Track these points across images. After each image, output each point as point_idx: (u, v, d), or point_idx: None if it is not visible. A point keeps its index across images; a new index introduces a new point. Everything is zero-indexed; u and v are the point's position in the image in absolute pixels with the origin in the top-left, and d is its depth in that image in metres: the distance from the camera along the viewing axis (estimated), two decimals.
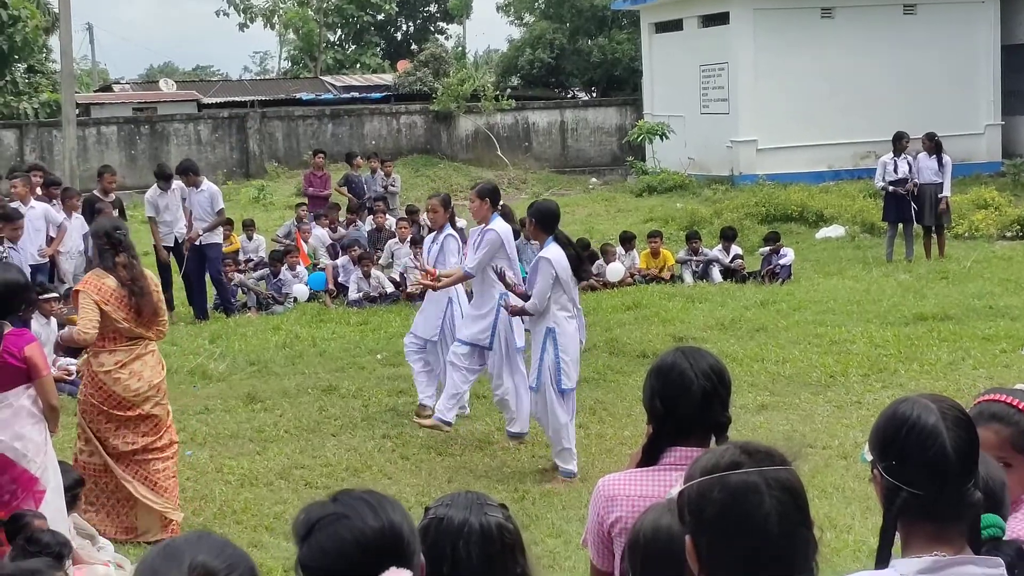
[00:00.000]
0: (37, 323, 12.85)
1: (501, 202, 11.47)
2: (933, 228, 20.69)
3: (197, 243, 17.77)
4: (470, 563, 3.22)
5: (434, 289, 11.47)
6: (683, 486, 2.82)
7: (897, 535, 2.98)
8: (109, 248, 8.83)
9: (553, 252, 9.88)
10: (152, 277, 9.10)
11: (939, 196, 20.41)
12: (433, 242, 12.22)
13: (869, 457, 3.06)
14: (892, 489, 2.96)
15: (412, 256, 11.63)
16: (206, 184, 18.21)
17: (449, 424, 11.18)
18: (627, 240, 20.83)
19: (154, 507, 8.94)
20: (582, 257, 10.17)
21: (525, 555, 3.36)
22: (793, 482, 2.74)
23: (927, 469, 2.92)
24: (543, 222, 10.08)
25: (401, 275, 19.33)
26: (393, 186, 25.04)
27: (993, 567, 2.90)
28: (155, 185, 18.17)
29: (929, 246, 20.71)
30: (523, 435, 11.13)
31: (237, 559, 2.52)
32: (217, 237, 18.23)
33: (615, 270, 19.57)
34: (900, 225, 20.70)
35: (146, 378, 8.94)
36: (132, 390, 8.86)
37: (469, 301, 11.80)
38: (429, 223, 12.87)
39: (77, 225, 16.62)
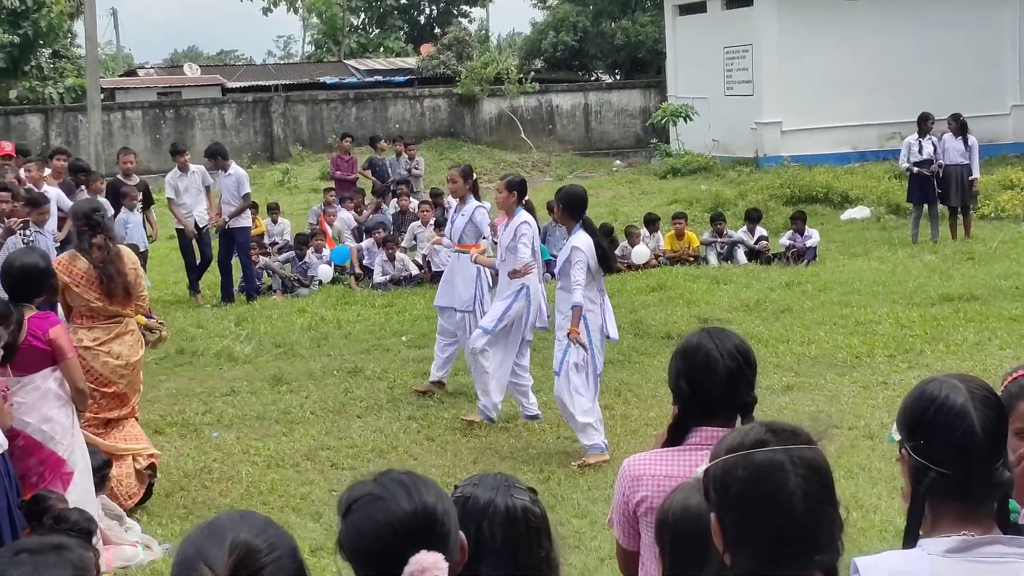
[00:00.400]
0: None
1: (527, 197, 11.49)
2: (959, 209, 20.60)
3: (226, 227, 17.83)
4: (494, 543, 3.22)
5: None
6: (709, 464, 2.82)
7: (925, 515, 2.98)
8: (87, 229, 9.00)
9: (583, 240, 9.92)
10: (130, 257, 9.23)
11: (969, 178, 20.30)
12: (458, 213, 12.21)
13: (897, 437, 3.06)
14: (920, 469, 2.95)
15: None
16: (234, 168, 18.23)
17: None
18: (651, 222, 20.79)
19: (131, 451, 9.06)
20: (606, 248, 10.22)
21: (551, 539, 3.35)
22: (818, 461, 2.74)
23: (955, 449, 2.91)
24: (571, 207, 10.10)
25: (424, 257, 19.36)
26: (417, 169, 25.04)
27: (1021, 547, 2.89)
28: (175, 168, 18.26)
29: (955, 227, 20.61)
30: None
31: (279, 539, 2.54)
32: (246, 221, 18.27)
33: (640, 252, 19.55)
34: (925, 206, 20.61)
35: (124, 356, 9.12)
36: (110, 367, 9.04)
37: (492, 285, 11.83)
38: (450, 194, 12.85)
39: None
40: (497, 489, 3.30)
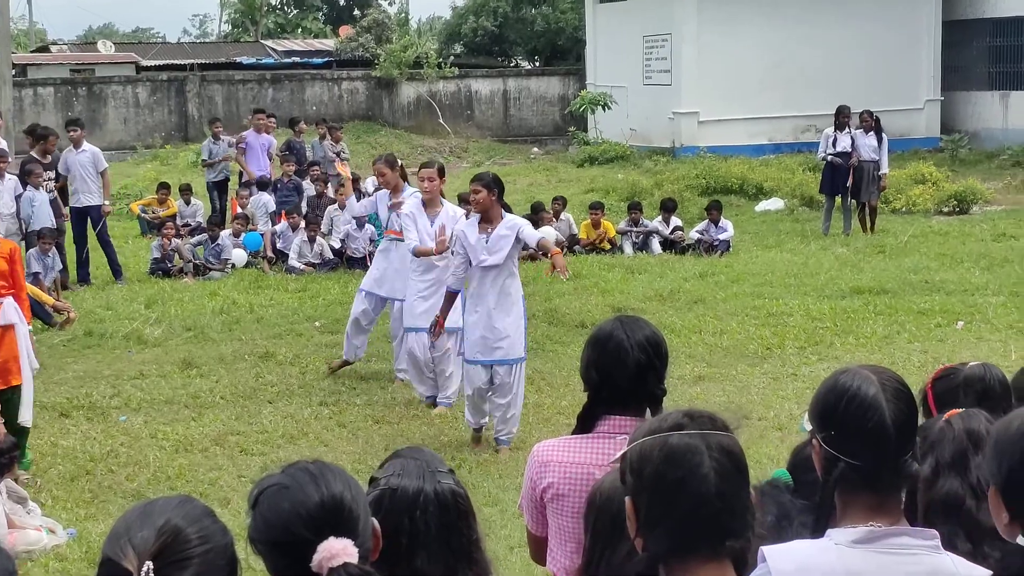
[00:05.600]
0: None
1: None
2: (868, 204, 20.84)
3: (79, 206, 17.65)
4: (429, 534, 3.17)
5: None
6: (627, 448, 2.80)
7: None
8: None
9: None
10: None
11: (877, 173, 20.54)
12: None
13: (809, 427, 3.06)
14: (831, 459, 2.96)
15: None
16: (87, 145, 17.97)
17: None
18: (557, 200, 20.84)
19: None
20: None
21: (476, 520, 3.32)
22: (733, 447, 2.74)
23: (866, 440, 2.93)
24: (502, 192, 10.12)
25: (342, 242, 19.17)
26: (344, 154, 24.74)
27: (928, 539, 2.91)
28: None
29: (865, 220, 20.85)
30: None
31: (214, 533, 2.50)
32: (97, 199, 17.89)
33: (547, 232, 19.35)
34: (837, 199, 20.81)
35: None
36: None
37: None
38: (383, 186, 12.03)
39: (10, 187, 16.33)
40: (423, 477, 3.23)
